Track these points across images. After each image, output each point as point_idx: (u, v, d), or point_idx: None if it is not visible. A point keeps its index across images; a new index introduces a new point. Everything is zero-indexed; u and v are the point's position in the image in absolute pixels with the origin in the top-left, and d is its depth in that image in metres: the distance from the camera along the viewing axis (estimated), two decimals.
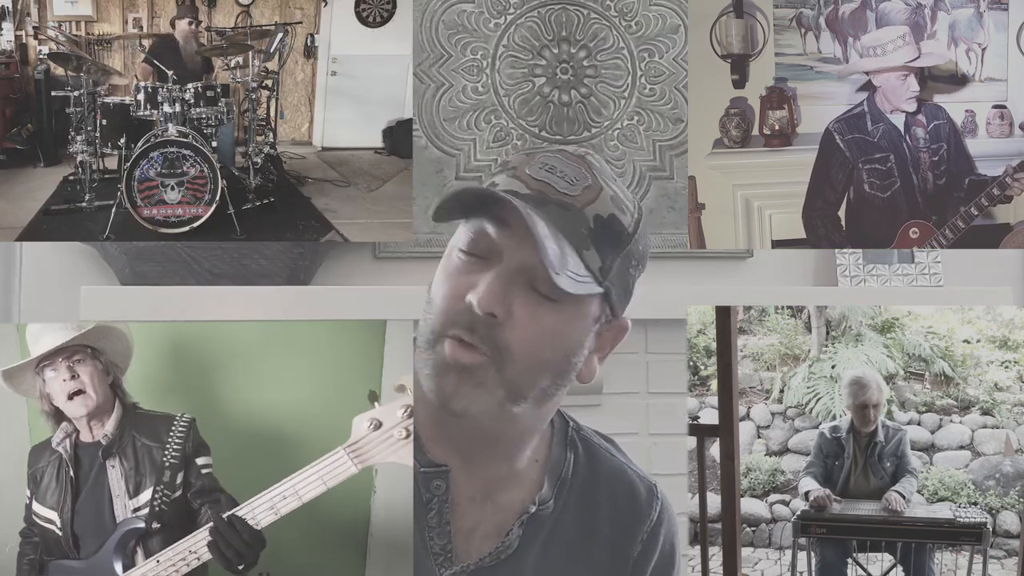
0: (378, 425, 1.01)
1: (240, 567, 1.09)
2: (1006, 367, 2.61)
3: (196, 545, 1.09)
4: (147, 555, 1.15)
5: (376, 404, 1.05)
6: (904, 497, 2.21)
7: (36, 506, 1.21)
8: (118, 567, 1.15)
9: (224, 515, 1.05)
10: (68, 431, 1.22)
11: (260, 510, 1.04)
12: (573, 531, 1.22)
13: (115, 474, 1.20)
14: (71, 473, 1.20)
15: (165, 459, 1.19)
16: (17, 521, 1.30)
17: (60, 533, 1.20)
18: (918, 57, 2.39)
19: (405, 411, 1.00)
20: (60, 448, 1.21)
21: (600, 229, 1.09)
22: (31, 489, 1.22)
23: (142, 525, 1.16)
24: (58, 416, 1.21)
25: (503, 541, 1.18)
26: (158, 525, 1.16)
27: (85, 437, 1.22)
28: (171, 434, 1.20)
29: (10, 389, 1.21)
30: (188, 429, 1.21)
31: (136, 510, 1.18)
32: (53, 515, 1.20)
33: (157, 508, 1.18)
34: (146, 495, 1.18)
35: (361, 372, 1.56)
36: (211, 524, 1.10)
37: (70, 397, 1.20)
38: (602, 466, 1.27)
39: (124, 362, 1.22)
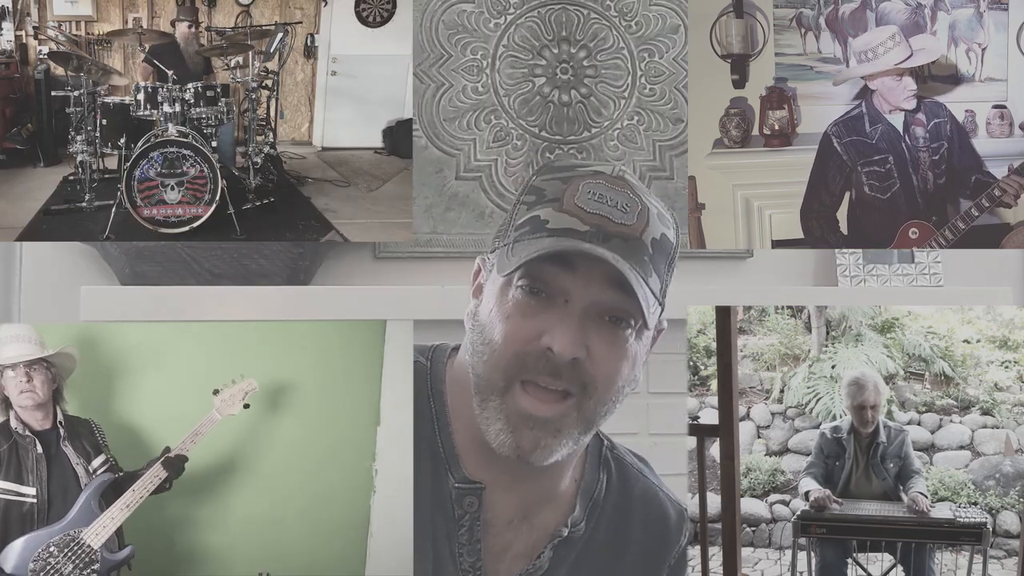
0: (223, 400, 1.55)
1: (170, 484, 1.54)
2: (1006, 367, 2.61)
3: (157, 470, 1.50)
4: (109, 501, 1.51)
5: (217, 395, 1.56)
6: (927, 497, 2.21)
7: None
8: (98, 511, 1.49)
9: (171, 453, 1.53)
10: (19, 419, 1.51)
11: (187, 443, 1.53)
12: (602, 553, 1.22)
13: (71, 451, 1.52)
14: (39, 449, 1.50)
15: (102, 441, 1.54)
16: None
17: (33, 501, 1.48)
18: (911, 56, 2.39)
19: (230, 395, 1.56)
20: (26, 432, 1.51)
21: (656, 252, 1.09)
22: None
23: (112, 475, 1.51)
24: (6, 403, 1.52)
25: (534, 563, 1.18)
26: (123, 473, 1.52)
27: (35, 426, 1.52)
28: (94, 430, 1.55)
29: None
30: (101, 428, 1.55)
31: (95, 470, 1.52)
32: (23, 487, 1.49)
33: (116, 467, 1.53)
34: (99, 460, 1.53)
35: (361, 372, 1.56)
36: (164, 458, 1.51)
37: (21, 392, 1.51)
38: (634, 488, 1.26)
39: (68, 375, 1.54)
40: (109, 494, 1.51)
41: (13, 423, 1.51)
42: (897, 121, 2.42)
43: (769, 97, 2.46)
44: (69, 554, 1.47)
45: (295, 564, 1.53)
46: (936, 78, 2.45)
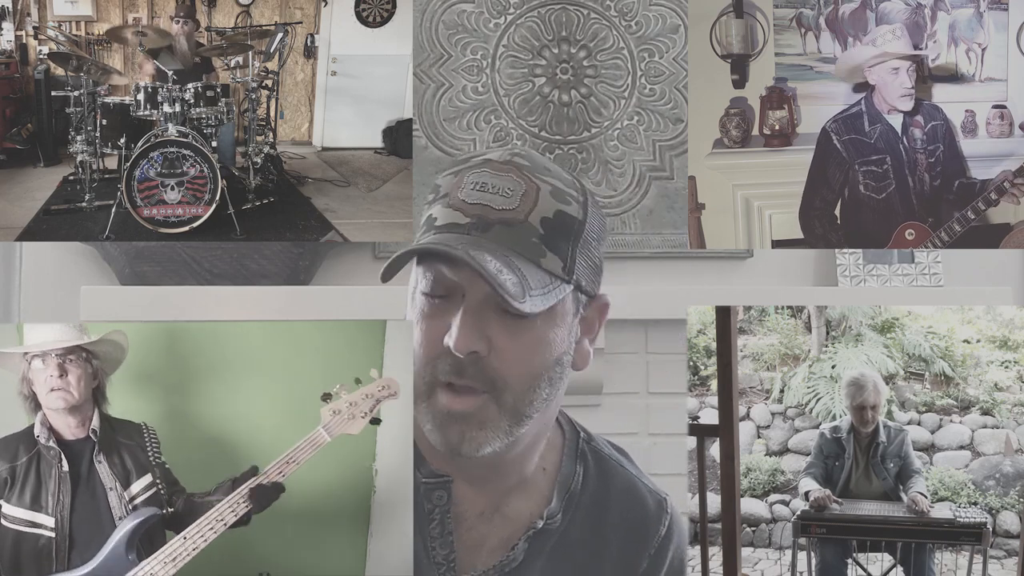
0: (336, 412, 1.22)
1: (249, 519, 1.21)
2: (1006, 367, 2.61)
3: (223, 513, 1.16)
4: (152, 542, 1.16)
5: (329, 401, 1.22)
6: (927, 497, 2.21)
7: (10, 508, 1.14)
8: (133, 557, 1.14)
9: (259, 479, 1.19)
10: (46, 425, 1.19)
11: (272, 473, 1.20)
12: (580, 545, 1.22)
13: (104, 469, 1.19)
14: (65, 467, 1.17)
15: (152, 459, 1.20)
16: None
17: (51, 535, 1.15)
18: (913, 50, 2.40)
19: (348, 404, 1.23)
20: (51, 443, 1.17)
21: (550, 230, 1.07)
22: None
23: (157, 511, 1.17)
24: (35, 401, 1.19)
25: (508, 555, 1.18)
26: (171, 510, 1.18)
27: (67, 435, 1.19)
28: (146, 438, 1.21)
29: None
30: (156, 435, 1.22)
31: (132, 499, 1.18)
32: (41, 516, 1.15)
33: (164, 497, 1.19)
34: (139, 485, 1.19)
35: (361, 372, 1.56)
36: (252, 486, 1.19)
37: (52, 390, 1.18)
38: (612, 480, 1.26)
39: (114, 368, 1.21)
40: (157, 533, 1.15)
41: (37, 430, 1.17)
42: (896, 122, 2.42)
43: (769, 97, 2.46)
44: None
45: (295, 564, 1.53)
46: (936, 78, 2.45)
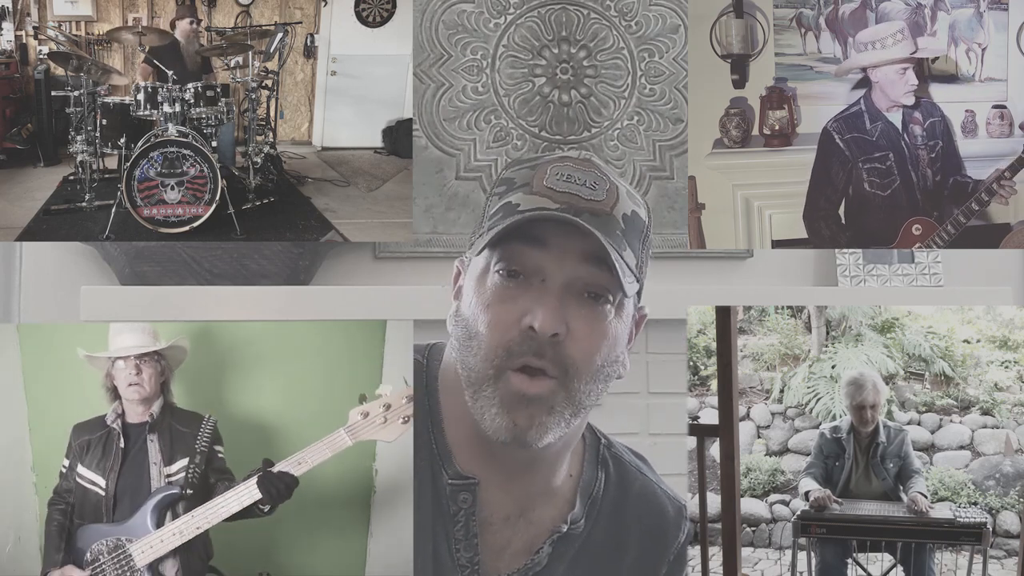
0: (366, 414, 1.33)
1: (271, 508, 1.42)
2: (1006, 367, 2.61)
3: (228, 501, 1.40)
4: (175, 517, 1.45)
5: (364, 402, 1.34)
6: (926, 497, 2.21)
7: (82, 469, 1.49)
8: (151, 525, 1.44)
9: (273, 469, 1.39)
10: (118, 411, 1.51)
11: (287, 467, 1.39)
12: (601, 550, 1.22)
13: (154, 447, 1.48)
14: (122, 444, 1.48)
15: (198, 446, 1.48)
16: (16, 523, 1.53)
17: (103, 493, 1.47)
18: (916, 51, 2.40)
19: (383, 407, 1.32)
20: (114, 424, 1.50)
21: (628, 228, 1.10)
22: (74, 457, 1.51)
23: (177, 491, 1.45)
24: (115, 392, 1.51)
25: (532, 559, 1.19)
26: (191, 491, 1.45)
27: (132, 419, 1.51)
28: (202, 428, 1.49)
29: (88, 364, 1.53)
30: (214, 427, 1.51)
31: (169, 476, 1.47)
32: (99, 478, 1.48)
33: (191, 479, 1.47)
34: (177, 465, 1.47)
35: (361, 372, 1.56)
36: (260, 473, 1.40)
37: (129, 385, 1.49)
38: (632, 485, 1.26)
39: (177, 366, 1.52)
40: (179, 508, 1.45)
41: (109, 416, 1.50)
42: (896, 120, 2.42)
43: (769, 97, 2.46)
44: (115, 560, 1.43)
45: (295, 564, 1.53)
46: (936, 78, 2.46)
